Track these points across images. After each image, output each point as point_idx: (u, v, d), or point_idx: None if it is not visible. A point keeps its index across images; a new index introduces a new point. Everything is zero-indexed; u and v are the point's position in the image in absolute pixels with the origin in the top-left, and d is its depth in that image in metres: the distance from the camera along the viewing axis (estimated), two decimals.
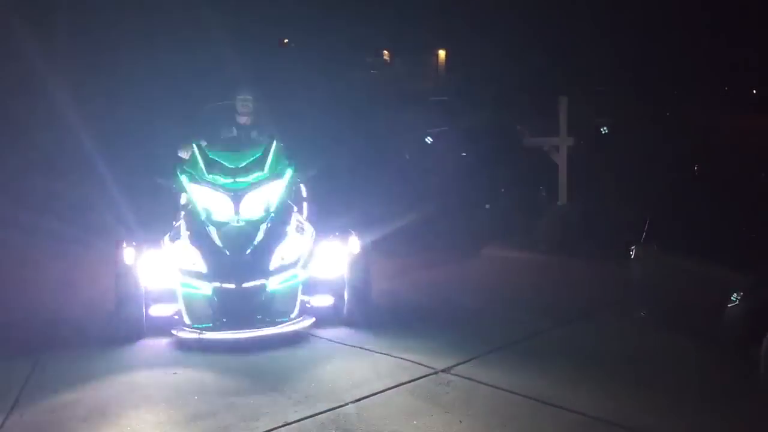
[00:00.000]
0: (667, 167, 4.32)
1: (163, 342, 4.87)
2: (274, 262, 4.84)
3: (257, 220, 4.99)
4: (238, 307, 4.72)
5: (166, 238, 5.05)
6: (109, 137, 6.84)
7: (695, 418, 3.55)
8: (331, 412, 3.74)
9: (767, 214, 3.73)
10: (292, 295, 4.88)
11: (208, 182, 5.07)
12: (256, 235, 4.91)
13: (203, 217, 5.01)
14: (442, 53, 23.53)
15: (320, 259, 5.10)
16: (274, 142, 5.28)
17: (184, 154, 5.48)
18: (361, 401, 3.85)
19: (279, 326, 4.75)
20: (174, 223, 5.26)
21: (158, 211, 5.73)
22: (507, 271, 6.59)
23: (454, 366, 4.23)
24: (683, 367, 4.19)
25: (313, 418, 3.69)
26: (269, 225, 4.98)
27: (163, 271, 4.91)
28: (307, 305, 4.95)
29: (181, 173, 5.20)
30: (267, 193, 5.10)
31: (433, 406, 3.73)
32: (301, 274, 4.92)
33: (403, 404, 3.83)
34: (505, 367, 4.20)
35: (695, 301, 3.83)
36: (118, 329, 4.89)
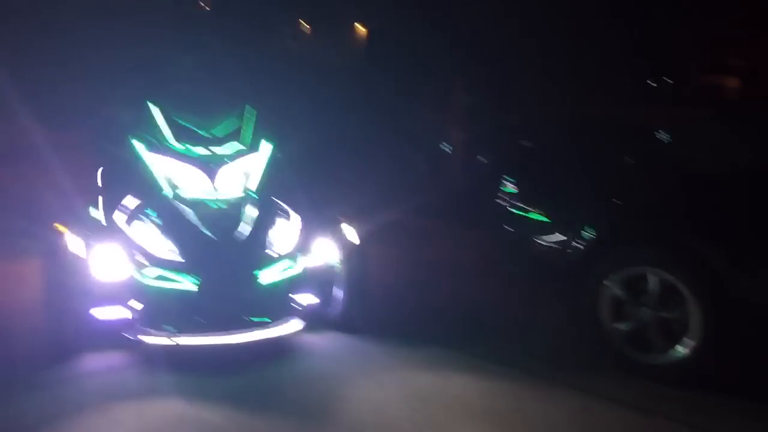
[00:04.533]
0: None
1: (114, 355, 3.92)
2: (266, 252, 4.02)
3: (237, 201, 4.13)
4: (226, 305, 3.84)
5: (118, 219, 4.05)
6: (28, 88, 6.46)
7: (528, 345, 4.37)
8: None
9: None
10: (283, 292, 4.05)
11: (175, 152, 4.13)
12: (242, 217, 4.05)
13: (169, 194, 4.07)
14: (360, 27, 23.81)
15: (309, 251, 4.30)
16: (253, 109, 4.41)
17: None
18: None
19: (269, 329, 3.90)
20: (122, 202, 4.19)
21: (99, 187, 4.60)
22: (398, 233, 7.20)
23: None
24: (516, 306, 4.98)
25: None
26: (253, 207, 4.13)
27: (118, 261, 3.88)
28: (296, 305, 4.13)
29: (136, 139, 4.19)
30: (246, 169, 4.25)
31: None
32: (294, 267, 4.11)
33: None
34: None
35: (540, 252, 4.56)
36: (55, 338, 3.87)
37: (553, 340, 4.48)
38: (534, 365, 4.08)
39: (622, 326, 4.01)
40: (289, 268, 4.09)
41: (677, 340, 3.82)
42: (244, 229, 4.03)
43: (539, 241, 4.38)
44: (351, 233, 4.44)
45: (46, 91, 6.69)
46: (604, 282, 4.01)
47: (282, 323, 4.00)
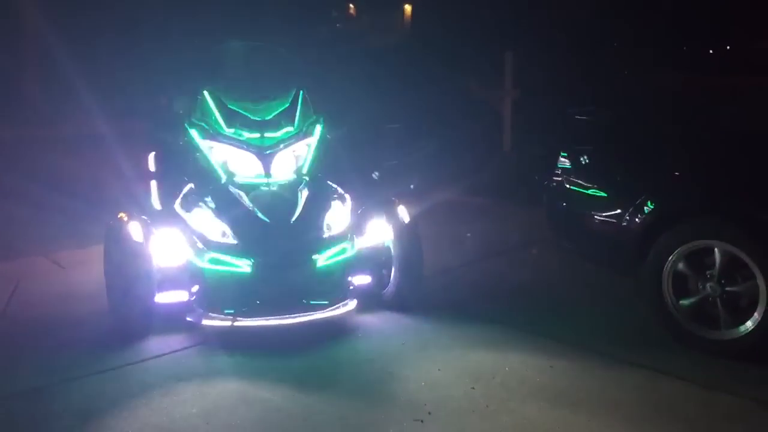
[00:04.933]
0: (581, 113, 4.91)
1: (176, 338, 4.00)
2: (320, 234, 4.05)
3: (291, 184, 4.19)
4: (283, 288, 3.89)
5: (177, 206, 4.16)
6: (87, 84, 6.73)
7: (587, 323, 4.29)
8: None
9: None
10: (340, 274, 4.08)
11: (228, 138, 4.20)
12: (296, 200, 4.10)
13: (224, 179, 4.17)
14: (408, 8, 23.68)
15: (363, 232, 4.34)
16: (302, 92, 4.44)
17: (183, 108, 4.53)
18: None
19: (327, 310, 3.95)
20: (179, 188, 4.29)
21: (153, 173, 4.80)
22: (451, 212, 7.19)
23: None
24: (579, 285, 4.90)
25: None
26: (306, 189, 4.18)
27: (178, 247, 4.01)
28: (350, 286, 4.19)
29: (191, 127, 4.29)
30: (298, 152, 4.30)
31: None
32: (349, 249, 4.14)
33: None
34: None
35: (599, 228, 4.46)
36: (120, 323, 4.00)
37: (614, 317, 4.39)
38: (594, 343, 4.00)
39: (686, 302, 3.90)
40: (343, 250, 4.11)
41: (744, 315, 3.70)
42: (299, 211, 4.07)
43: (599, 217, 4.28)
44: (404, 213, 4.43)
45: (112, 83, 6.92)
46: (668, 257, 3.90)
47: (338, 304, 4.04)
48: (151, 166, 4.85)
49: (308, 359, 3.84)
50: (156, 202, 4.65)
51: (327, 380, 3.63)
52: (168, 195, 4.39)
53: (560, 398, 3.40)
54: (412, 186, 7.47)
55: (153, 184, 4.78)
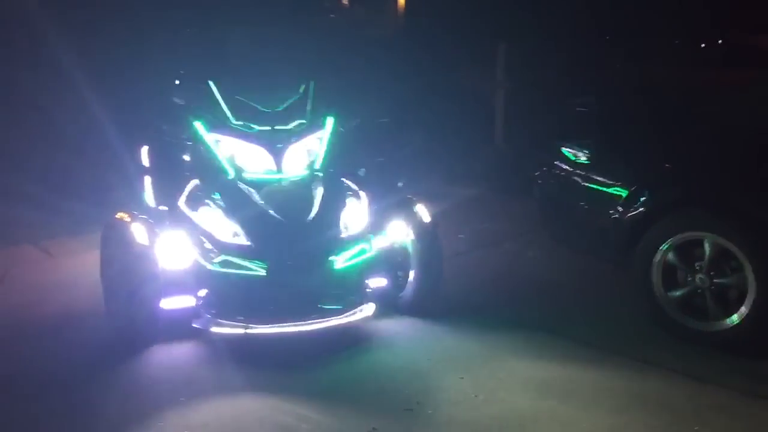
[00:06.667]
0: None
1: (183, 346, 3.77)
2: (338, 234, 3.82)
3: (304, 180, 3.93)
4: (297, 291, 3.63)
5: (182, 204, 3.92)
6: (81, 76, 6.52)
7: (578, 315, 4.34)
8: None
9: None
10: (358, 276, 3.85)
11: (237, 130, 3.94)
12: (311, 198, 3.85)
13: (232, 175, 3.89)
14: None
15: (381, 232, 4.10)
16: (313, 82, 4.18)
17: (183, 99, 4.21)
18: None
19: (343, 316, 3.70)
20: (184, 185, 4.00)
21: (160, 172, 4.47)
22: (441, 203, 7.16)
23: None
24: (571, 276, 4.96)
25: None
26: (321, 186, 3.92)
27: (184, 248, 3.73)
28: (367, 289, 3.96)
29: (196, 119, 3.99)
30: (311, 146, 4.05)
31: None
32: (368, 250, 3.91)
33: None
34: None
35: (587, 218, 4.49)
36: (124, 330, 3.70)
37: (605, 308, 4.44)
38: (584, 334, 4.06)
39: (676, 293, 3.93)
40: (362, 251, 3.88)
41: (733, 308, 3.74)
42: (315, 210, 3.82)
43: (590, 208, 4.29)
44: (423, 212, 4.19)
45: (112, 73, 6.69)
46: (658, 248, 3.92)
47: (355, 309, 3.79)
48: (151, 161, 4.54)
49: (326, 371, 3.57)
50: (158, 200, 4.43)
51: (346, 395, 3.37)
52: (171, 192, 4.10)
53: (549, 388, 3.43)
54: (400, 184, 7.30)
55: (153, 180, 4.50)
